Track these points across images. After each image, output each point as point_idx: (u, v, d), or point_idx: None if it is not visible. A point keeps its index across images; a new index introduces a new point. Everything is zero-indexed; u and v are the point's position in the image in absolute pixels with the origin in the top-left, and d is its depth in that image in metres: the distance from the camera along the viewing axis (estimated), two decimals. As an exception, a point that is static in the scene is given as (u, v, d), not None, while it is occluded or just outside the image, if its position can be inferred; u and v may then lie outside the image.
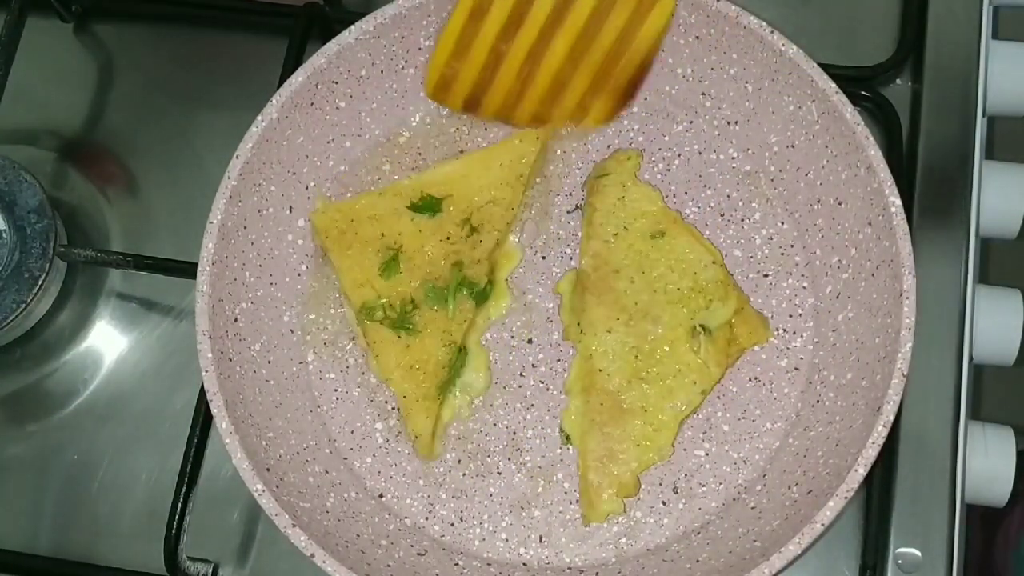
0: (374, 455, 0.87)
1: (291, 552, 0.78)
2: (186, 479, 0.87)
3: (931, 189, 0.91)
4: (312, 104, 0.90)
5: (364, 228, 0.89)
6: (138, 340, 0.97)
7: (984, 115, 0.94)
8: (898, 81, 0.96)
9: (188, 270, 0.91)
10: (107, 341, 0.98)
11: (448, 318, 0.86)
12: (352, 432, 0.88)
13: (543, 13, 0.89)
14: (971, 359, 0.88)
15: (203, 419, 0.88)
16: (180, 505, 0.87)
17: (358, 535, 0.83)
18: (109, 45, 1.08)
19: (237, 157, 0.87)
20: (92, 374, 0.97)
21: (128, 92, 1.06)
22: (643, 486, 0.85)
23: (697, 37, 0.90)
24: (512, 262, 0.91)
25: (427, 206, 0.90)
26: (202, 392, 0.86)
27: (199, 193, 0.90)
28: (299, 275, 0.91)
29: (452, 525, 0.86)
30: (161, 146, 1.03)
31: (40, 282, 0.94)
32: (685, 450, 0.86)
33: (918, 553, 0.83)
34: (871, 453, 0.77)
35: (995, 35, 0.97)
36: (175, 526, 0.86)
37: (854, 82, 0.92)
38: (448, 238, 0.89)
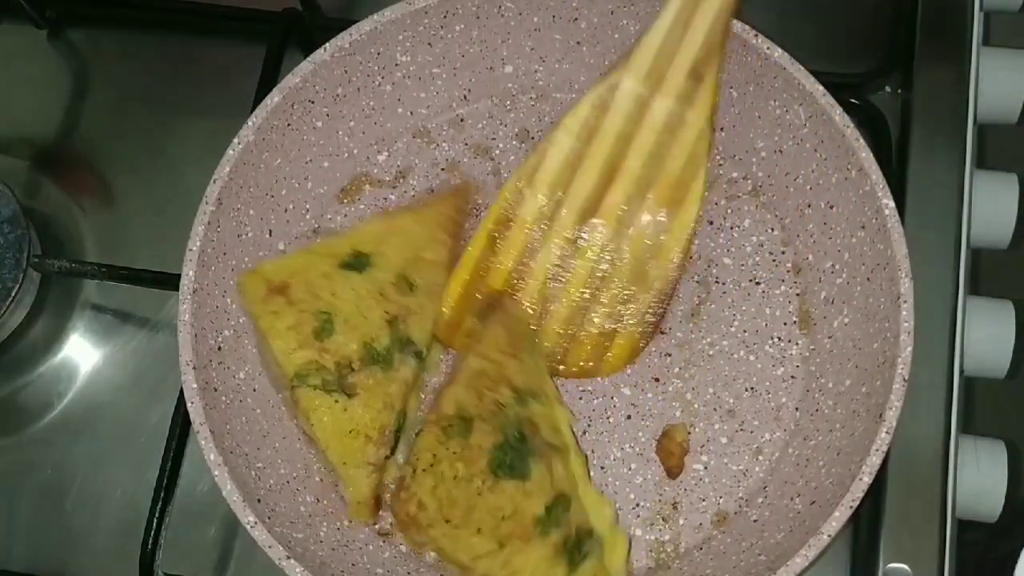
0: (366, 482, 0.86)
1: (269, 568, 0.76)
2: (162, 494, 0.86)
3: (921, 199, 0.90)
4: (289, 125, 0.89)
5: (295, 289, 0.84)
6: (113, 352, 0.96)
7: (975, 123, 0.93)
8: (887, 89, 0.96)
9: (164, 281, 0.91)
10: (82, 353, 0.97)
11: (388, 381, 0.83)
12: (342, 459, 0.87)
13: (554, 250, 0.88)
14: (962, 371, 0.88)
15: (179, 433, 0.87)
16: (156, 520, 0.85)
17: (353, 564, 0.81)
18: (84, 52, 1.07)
19: (215, 181, 0.85)
20: (66, 387, 0.95)
21: (103, 100, 1.05)
22: (641, 503, 0.84)
23: (679, 43, 0.89)
24: None
25: (357, 263, 0.86)
26: (179, 405, 0.85)
27: (175, 203, 0.90)
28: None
29: (448, 550, 0.84)
30: (137, 155, 1.02)
31: (13, 293, 0.93)
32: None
33: (908, 569, 0.82)
34: (875, 461, 0.76)
35: (985, 42, 0.97)
36: (151, 542, 0.85)
37: (841, 89, 0.90)
38: (383, 294, 0.85)
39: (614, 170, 0.87)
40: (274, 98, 0.87)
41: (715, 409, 0.86)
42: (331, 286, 0.85)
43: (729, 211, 0.90)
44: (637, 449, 0.85)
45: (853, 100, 0.93)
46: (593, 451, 0.86)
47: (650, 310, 0.87)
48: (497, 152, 0.94)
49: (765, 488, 0.84)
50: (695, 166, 0.86)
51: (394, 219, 0.89)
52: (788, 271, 0.88)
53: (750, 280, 0.89)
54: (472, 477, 0.79)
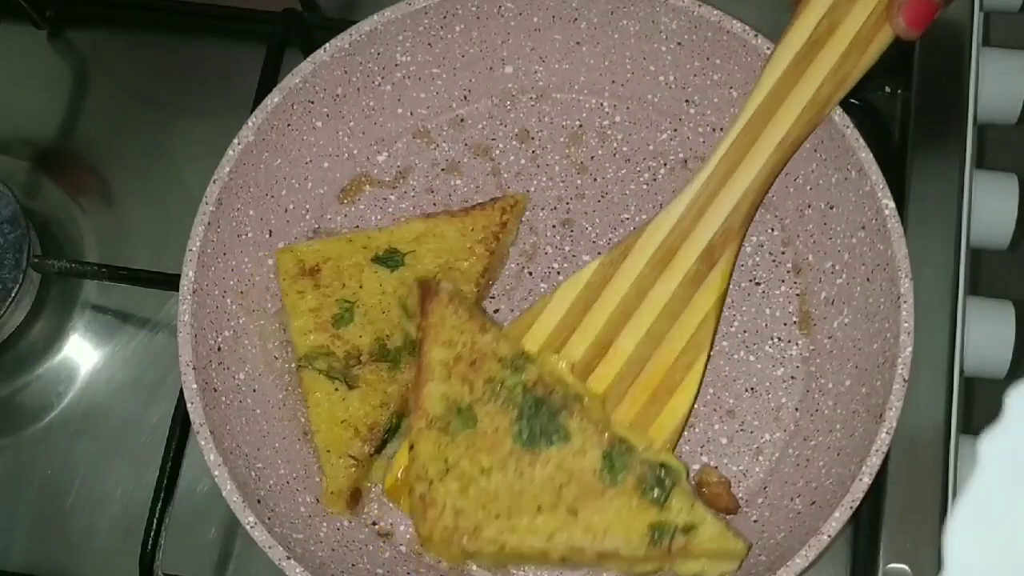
0: (366, 482, 0.86)
1: (269, 568, 0.76)
2: (162, 494, 0.86)
3: (921, 199, 0.90)
4: (289, 125, 0.89)
5: (325, 274, 0.87)
6: (113, 352, 0.96)
7: (975, 123, 0.93)
8: (887, 89, 0.95)
9: (164, 281, 0.90)
10: (81, 353, 0.96)
11: (391, 380, 0.84)
12: (342, 459, 0.87)
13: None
14: (962, 371, 0.87)
15: (179, 433, 0.86)
16: (156, 521, 0.85)
17: (353, 565, 0.81)
18: (84, 52, 1.06)
19: (215, 181, 0.85)
20: (66, 387, 0.95)
21: (103, 100, 1.05)
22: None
23: (679, 43, 0.89)
24: None
25: (390, 260, 0.87)
26: (179, 405, 0.84)
27: (175, 203, 0.89)
28: (280, 300, 0.89)
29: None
30: (137, 155, 1.02)
31: (13, 294, 0.93)
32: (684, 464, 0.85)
33: (908, 569, 0.82)
34: (875, 461, 0.76)
35: (985, 42, 0.96)
36: (151, 542, 0.85)
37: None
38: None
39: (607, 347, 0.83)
40: (274, 98, 0.87)
41: (715, 409, 0.86)
42: (359, 277, 0.86)
43: (729, 211, 0.90)
44: (637, 449, 0.85)
45: (853, 100, 0.92)
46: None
47: None
48: (497, 152, 0.93)
49: (765, 488, 0.83)
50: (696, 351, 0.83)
51: (436, 223, 0.89)
52: (788, 271, 0.88)
53: (750, 280, 0.89)
54: (504, 463, 0.77)
